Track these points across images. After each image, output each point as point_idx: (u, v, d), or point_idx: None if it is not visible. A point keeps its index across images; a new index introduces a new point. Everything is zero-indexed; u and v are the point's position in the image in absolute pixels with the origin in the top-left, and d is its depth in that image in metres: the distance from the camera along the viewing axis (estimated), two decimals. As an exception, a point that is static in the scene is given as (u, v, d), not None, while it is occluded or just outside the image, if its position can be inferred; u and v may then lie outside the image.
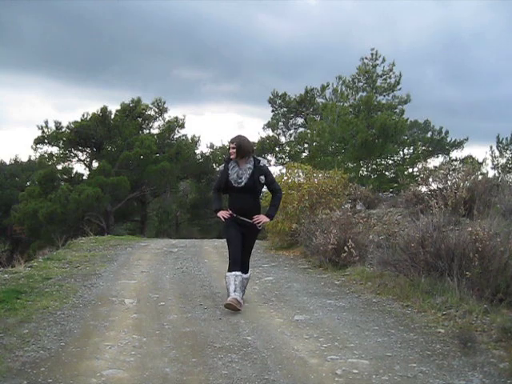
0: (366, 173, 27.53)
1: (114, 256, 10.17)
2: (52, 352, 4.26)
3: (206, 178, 36.40)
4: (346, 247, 8.17)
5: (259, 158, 6.29)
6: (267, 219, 6.18)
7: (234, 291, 5.81)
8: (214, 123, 79.48)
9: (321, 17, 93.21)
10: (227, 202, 6.22)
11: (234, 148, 6.00)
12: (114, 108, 33.30)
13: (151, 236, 26.68)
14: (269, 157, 34.11)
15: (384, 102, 28.22)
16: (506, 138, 33.28)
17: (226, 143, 38.44)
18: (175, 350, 4.40)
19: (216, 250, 11.42)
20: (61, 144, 32.51)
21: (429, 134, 36.62)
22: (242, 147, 6.01)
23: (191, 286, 7.34)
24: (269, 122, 36.20)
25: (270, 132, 36.00)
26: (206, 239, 17.21)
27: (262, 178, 6.04)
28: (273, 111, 36.52)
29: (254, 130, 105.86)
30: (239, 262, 6.02)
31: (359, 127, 25.15)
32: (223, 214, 6.11)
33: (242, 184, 5.97)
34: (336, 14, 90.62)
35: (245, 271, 6.16)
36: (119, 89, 72.15)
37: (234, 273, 5.91)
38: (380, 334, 4.93)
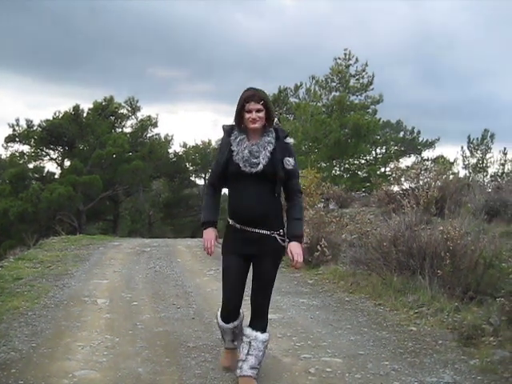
0: (338, 172, 27.79)
1: (87, 256, 10.05)
2: (23, 353, 4.19)
3: (178, 177, 36.31)
4: (318, 246, 8.20)
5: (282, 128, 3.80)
6: (300, 249, 3.48)
7: (233, 341, 3.87)
8: (188, 122, 79.05)
9: (296, 17, 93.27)
10: (227, 204, 3.61)
11: (260, 111, 3.46)
12: (86, 106, 32.98)
13: (124, 235, 26.41)
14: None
15: (357, 101, 28.54)
16: (477, 139, 33.70)
17: (200, 142, 38.36)
18: (148, 350, 4.36)
19: (189, 250, 11.37)
20: (32, 142, 32.06)
21: (401, 134, 37.11)
22: (272, 109, 3.59)
23: (164, 285, 7.30)
24: (243, 121, 36.16)
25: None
26: (179, 238, 17.14)
27: (290, 160, 3.52)
28: (246, 110, 36.50)
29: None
30: (238, 310, 3.73)
31: (332, 127, 25.33)
32: (208, 242, 3.59)
33: (259, 168, 3.44)
34: (311, 14, 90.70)
35: (261, 327, 3.62)
36: (92, 87, 71.09)
37: (231, 324, 3.75)
38: (353, 333, 4.96)
